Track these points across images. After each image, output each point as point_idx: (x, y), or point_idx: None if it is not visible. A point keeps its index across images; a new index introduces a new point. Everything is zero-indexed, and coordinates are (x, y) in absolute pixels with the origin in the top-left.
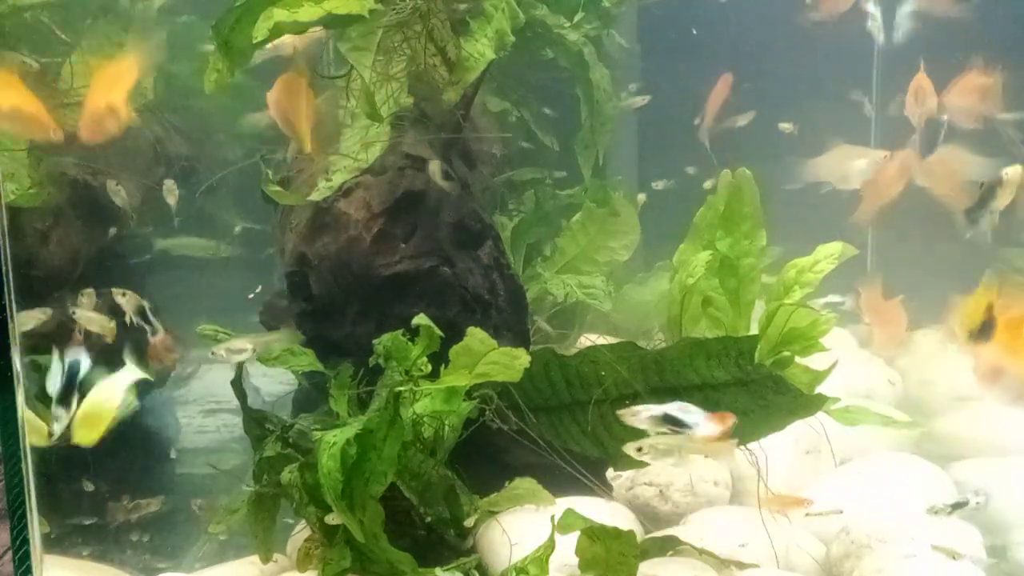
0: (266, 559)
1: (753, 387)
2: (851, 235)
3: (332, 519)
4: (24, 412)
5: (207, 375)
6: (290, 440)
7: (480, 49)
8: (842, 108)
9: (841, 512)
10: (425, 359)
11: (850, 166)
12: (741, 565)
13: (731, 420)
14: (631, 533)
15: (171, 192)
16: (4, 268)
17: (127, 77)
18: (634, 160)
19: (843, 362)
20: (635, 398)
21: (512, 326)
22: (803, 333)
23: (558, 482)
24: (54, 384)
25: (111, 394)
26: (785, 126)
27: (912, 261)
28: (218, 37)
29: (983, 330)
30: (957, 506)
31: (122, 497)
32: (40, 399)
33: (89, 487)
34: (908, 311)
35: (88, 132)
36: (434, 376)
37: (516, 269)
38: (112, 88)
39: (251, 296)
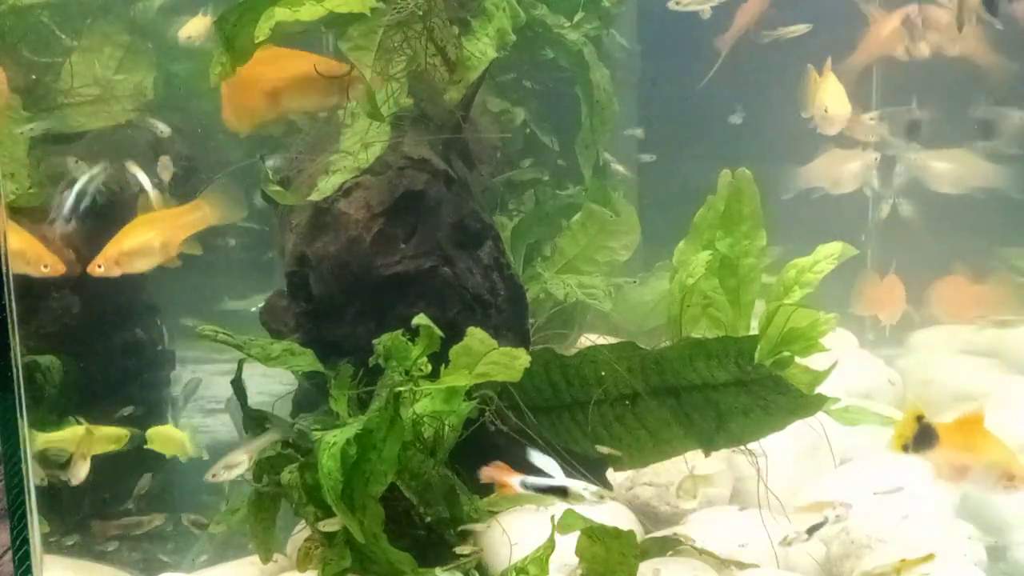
0: (266, 559)
1: (753, 387)
2: (850, 235)
3: (327, 526)
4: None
5: (206, 374)
6: (290, 440)
7: (482, 48)
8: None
9: (903, 489)
10: (425, 359)
11: (843, 170)
12: (741, 565)
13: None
14: (631, 533)
15: (165, 169)
16: (4, 268)
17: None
18: (634, 160)
19: (843, 362)
20: (635, 398)
21: (512, 326)
22: (803, 333)
23: None
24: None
25: None
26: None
27: (912, 262)
28: (221, 33)
29: (920, 440)
30: (814, 528)
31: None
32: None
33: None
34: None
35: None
36: (434, 376)
37: (516, 269)
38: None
39: (254, 310)
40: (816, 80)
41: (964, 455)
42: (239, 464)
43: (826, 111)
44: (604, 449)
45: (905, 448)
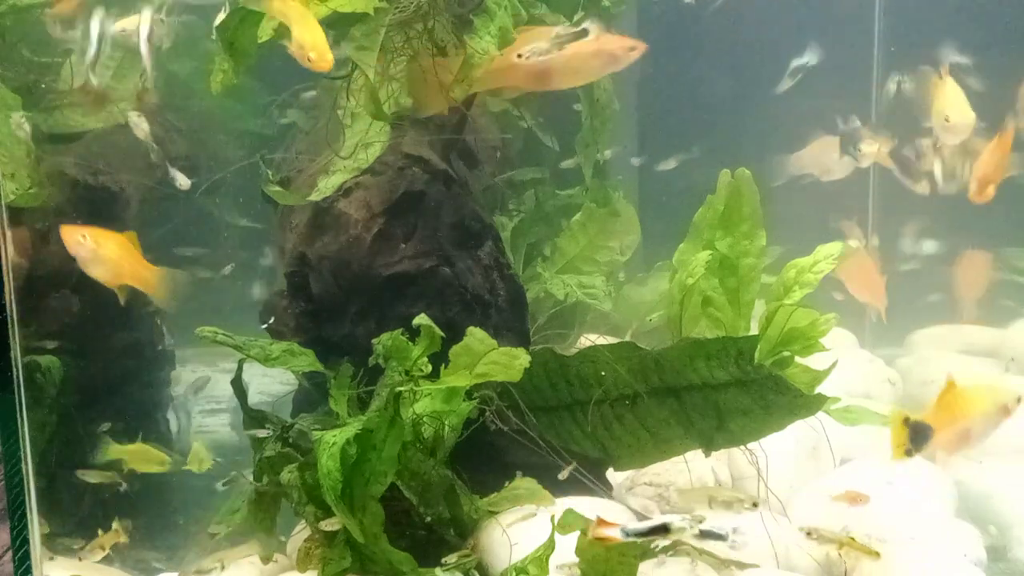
0: (266, 559)
1: (753, 387)
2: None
3: (327, 525)
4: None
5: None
6: (290, 440)
7: (484, 46)
8: (841, 100)
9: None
10: (425, 359)
11: (833, 158)
12: (741, 565)
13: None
14: None
15: (137, 127)
16: (4, 268)
17: None
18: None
19: (843, 362)
20: (635, 398)
21: (512, 326)
22: (803, 333)
23: (558, 482)
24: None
25: None
26: None
27: (912, 261)
28: (223, 37)
29: (917, 437)
30: (708, 535)
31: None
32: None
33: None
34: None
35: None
36: (434, 376)
37: (516, 269)
38: None
39: (264, 327)
40: (937, 84)
41: (959, 422)
42: (211, 572)
43: (947, 120)
44: (564, 473)
45: (909, 453)
